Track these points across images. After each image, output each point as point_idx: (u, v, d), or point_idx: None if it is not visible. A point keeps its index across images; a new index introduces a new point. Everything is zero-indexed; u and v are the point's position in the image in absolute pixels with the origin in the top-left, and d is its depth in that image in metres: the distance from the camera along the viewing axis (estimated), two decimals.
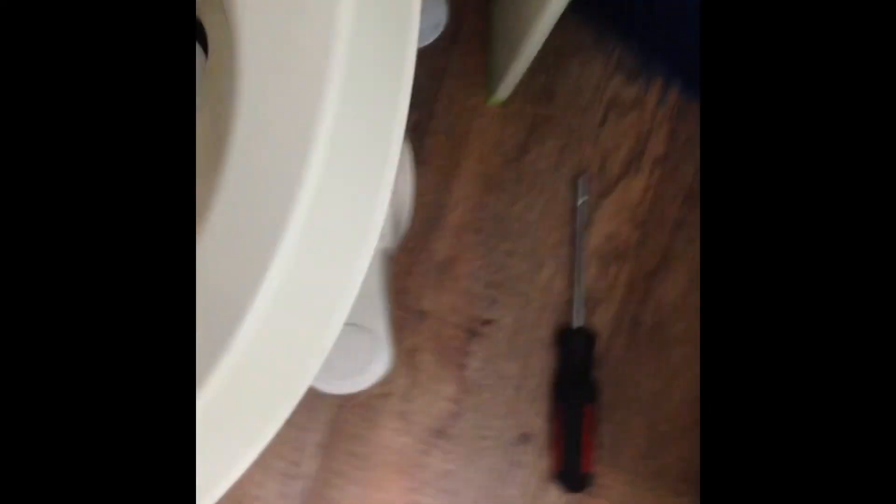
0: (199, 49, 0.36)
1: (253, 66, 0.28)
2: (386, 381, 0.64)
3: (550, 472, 0.63)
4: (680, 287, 0.65)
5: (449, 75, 0.68)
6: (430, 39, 0.69)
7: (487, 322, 0.64)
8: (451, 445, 0.63)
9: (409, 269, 0.66)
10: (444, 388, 0.64)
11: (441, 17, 0.68)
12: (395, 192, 0.58)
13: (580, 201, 0.64)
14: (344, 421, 0.64)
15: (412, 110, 0.68)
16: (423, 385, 0.64)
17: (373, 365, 0.52)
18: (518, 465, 0.63)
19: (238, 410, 0.28)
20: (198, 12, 0.34)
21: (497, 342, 0.64)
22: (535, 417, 0.63)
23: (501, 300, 0.65)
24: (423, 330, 0.65)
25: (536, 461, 0.63)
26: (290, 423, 0.64)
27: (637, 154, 0.66)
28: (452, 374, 0.64)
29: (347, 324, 0.53)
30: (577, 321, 0.62)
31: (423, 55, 0.69)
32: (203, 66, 0.35)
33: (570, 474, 0.60)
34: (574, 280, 0.63)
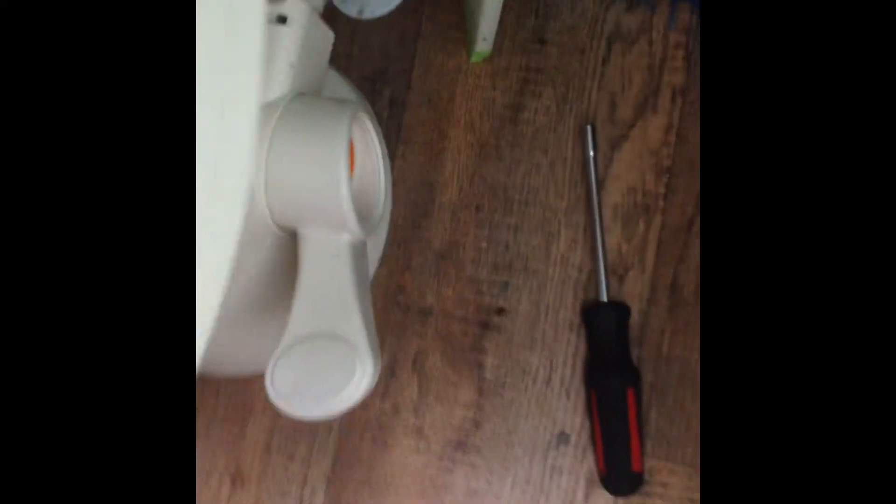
0: None
1: None
2: (393, 394, 0.57)
3: (596, 474, 0.54)
4: None
5: (422, 38, 0.61)
6: (395, 3, 0.62)
7: (500, 311, 0.56)
8: (477, 459, 0.55)
9: (404, 263, 0.58)
10: (460, 394, 0.56)
11: None
12: (359, 177, 0.50)
13: (590, 155, 0.56)
14: (351, 446, 0.57)
15: (385, 86, 0.61)
16: (435, 393, 0.56)
17: (352, 381, 0.44)
18: (558, 472, 0.54)
19: None
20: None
21: (515, 333, 0.56)
22: (571, 413, 0.54)
23: (514, 283, 0.56)
24: (428, 330, 0.57)
25: (578, 464, 0.54)
26: (291, 456, 0.57)
27: (651, 90, 0.57)
28: (468, 376, 0.56)
29: (317, 335, 0.45)
30: (605, 294, 0.54)
31: (390, 22, 0.61)
32: None
33: (619, 475, 0.51)
34: (595, 247, 0.54)
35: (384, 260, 0.59)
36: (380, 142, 0.50)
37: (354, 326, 0.45)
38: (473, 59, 0.60)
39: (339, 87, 0.59)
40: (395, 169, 0.60)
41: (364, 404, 0.57)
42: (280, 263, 0.49)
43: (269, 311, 0.48)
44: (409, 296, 0.58)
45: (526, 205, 0.57)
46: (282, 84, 0.46)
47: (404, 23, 0.62)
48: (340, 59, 0.62)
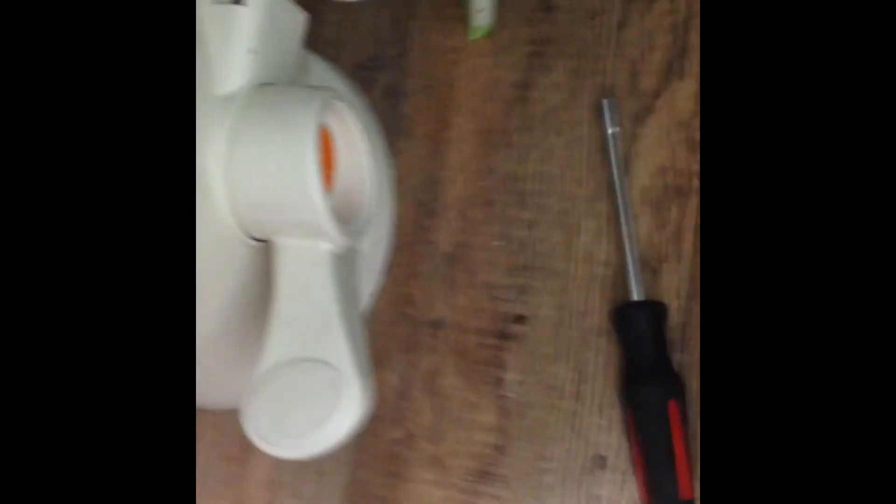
0: None
1: None
2: (406, 420, 0.51)
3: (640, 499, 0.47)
4: None
5: (416, 17, 0.55)
6: None
7: (520, 319, 0.50)
8: (503, 490, 0.49)
9: (409, 270, 0.52)
10: (480, 416, 0.50)
11: None
12: (343, 176, 0.45)
13: (610, 132, 0.49)
14: (362, 481, 0.51)
15: (379, 73, 0.55)
16: (453, 416, 0.50)
17: (338, 411, 0.38)
18: (595, 501, 0.47)
19: None
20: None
21: (537, 342, 0.50)
22: (607, 432, 0.48)
23: (533, 287, 0.50)
24: (440, 345, 0.51)
25: (618, 491, 0.47)
26: (299, 495, 0.52)
27: (677, 52, 0.50)
28: (488, 395, 0.50)
29: (296, 360, 0.40)
30: (638, 293, 0.47)
31: (381, 2, 0.56)
32: None
33: (665, 502, 0.44)
34: (623, 239, 0.48)
35: (388, 267, 0.53)
36: (364, 133, 0.44)
37: (338, 347, 0.39)
38: (472, 35, 0.54)
39: (327, 77, 0.54)
40: (395, 165, 0.54)
41: (374, 433, 0.51)
42: (261, 280, 0.43)
43: (253, 334, 0.42)
44: (417, 306, 0.52)
45: (541, 196, 0.51)
46: (241, 73, 0.41)
47: (396, 2, 0.56)
48: (329, 48, 0.57)
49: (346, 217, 0.43)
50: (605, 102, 0.50)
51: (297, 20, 0.45)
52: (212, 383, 0.47)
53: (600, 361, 0.49)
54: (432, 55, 0.55)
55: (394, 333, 0.52)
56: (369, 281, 0.53)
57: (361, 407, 0.38)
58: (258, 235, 0.41)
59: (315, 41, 0.57)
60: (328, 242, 0.40)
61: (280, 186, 0.39)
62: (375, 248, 0.52)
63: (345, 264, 0.42)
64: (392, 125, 0.55)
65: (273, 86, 0.41)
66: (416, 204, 0.53)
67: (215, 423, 0.54)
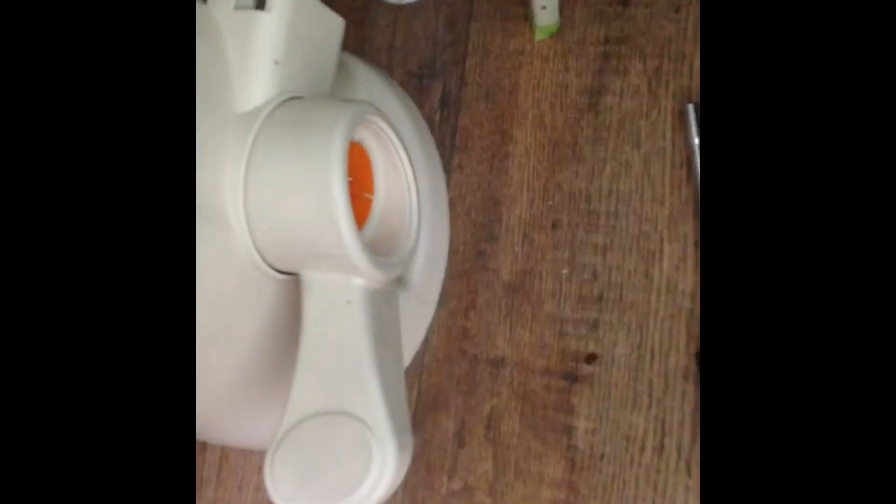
0: None
1: None
2: (463, 470, 0.46)
3: None
4: None
5: (475, 18, 0.50)
6: None
7: (591, 358, 0.44)
8: None
9: (468, 301, 0.47)
10: (546, 469, 0.44)
11: None
12: (384, 199, 0.40)
13: (697, 142, 0.43)
14: None
15: (434, 81, 0.50)
16: (516, 468, 0.45)
17: (370, 474, 0.34)
18: None
19: None
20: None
21: (611, 386, 0.44)
22: (695, 493, 0.41)
23: (606, 320, 0.44)
24: (501, 386, 0.46)
25: None
26: None
27: None
28: (555, 444, 0.44)
29: (325, 412, 0.35)
30: None
31: (437, 3, 0.51)
32: None
33: None
34: None
35: (444, 298, 0.48)
36: (406, 151, 0.40)
37: (370, 399, 0.35)
38: (538, 36, 0.48)
39: (375, 87, 0.49)
40: (451, 183, 0.49)
41: (428, 485, 0.46)
42: (292, 318, 0.39)
43: (283, 375, 0.38)
44: (476, 342, 0.47)
45: (616, 217, 0.45)
46: (264, 87, 0.37)
47: (453, 3, 0.51)
48: (381, 54, 0.52)
49: (385, 247, 0.39)
50: (690, 108, 0.44)
51: (332, 26, 0.41)
52: (247, 422, 0.43)
53: (686, 410, 0.42)
54: (493, 59, 0.50)
55: (450, 372, 0.47)
56: (422, 313, 0.48)
57: (396, 469, 0.34)
58: (284, 268, 0.37)
59: (366, 48, 0.53)
60: (361, 277, 0.36)
61: (302, 216, 0.34)
62: (428, 277, 0.48)
63: (383, 301, 0.37)
64: (448, 139, 0.50)
65: (300, 100, 0.37)
66: (475, 227, 0.48)
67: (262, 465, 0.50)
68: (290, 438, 0.35)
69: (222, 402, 0.40)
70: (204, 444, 0.53)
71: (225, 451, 0.53)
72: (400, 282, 0.45)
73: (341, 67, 0.48)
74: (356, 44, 0.53)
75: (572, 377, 0.45)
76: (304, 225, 0.35)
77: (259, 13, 0.37)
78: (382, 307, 0.37)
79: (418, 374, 0.48)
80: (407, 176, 0.40)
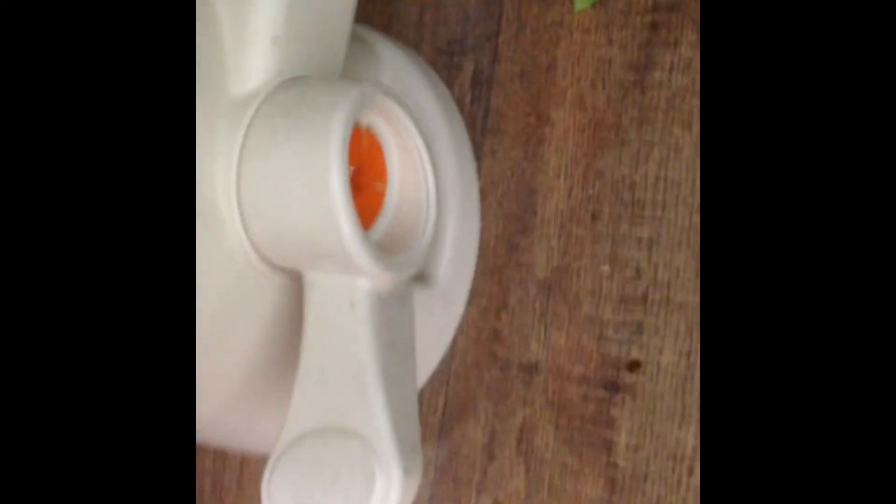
0: None
1: None
2: (493, 486, 0.43)
3: None
4: None
5: None
6: None
7: (634, 365, 0.40)
8: None
9: (499, 300, 0.44)
10: (583, 487, 0.41)
11: None
12: (398, 191, 0.37)
13: None
14: None
15: (465, 58, 0.47)
16: (550, 485, 0.42)
17: (373, 497, 0.31)
18: None
19: None
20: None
21: (657, 397, 0.40)
22: None
23: (651, 324, 0.40)
24: (535, 394, 0.42)
25: None
26: None
27: None
28: (593, 460, 0.41)
29: (325, 429, 0.33)
30: None
31: None
32: None
33: None
34: None
35: (473, 296, 0.45)
36: (422, 137, 0.36)
37: (374, 415, 0.32)
38: (578, 5, 0.44)
39: (400, 66, 0.46)
40: (482, 171, 0.46)
41: (455, 500, 0.43)
42: (297, 320, 0.36)
43: (288, 379, 0.35)
44: (507, 345, 0.44)
45: (663, 207, 0.41)
46: (261, 67, 0.34)
47: None
48: (411, 30, 0.49)
49: (398, 243, 0.36)
50: None
51: None
52: (252, 426, 0.41)
53: None
54: (529, 33, 0.46)
55: (479, 377, 0.44)
56: (449, 313, 0.45)
57: (402, 494, 0.31)
58: (284, 267, 0.34)
59: (394, 24, 0.50)
60: (366, 278, 0.32)
61: (298, 210, 0.31)
62: (456, 274, 0.44)
63: (393, 305, 0.34)
64: (479, 122, 0.46)
65: (303, 80, 0.34)
66: (507, 218, 0.45)
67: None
68: (288, 457, 0.32)
69: (224, 405, 0.38)
70: (223, 452, 0.51)
71: (245, 458, 0.51)
72: (423, 279, 0.42)
73: (364, 45, 0.45)
74: (382, 20, 0.50)
75: (613, 386, 0.41)
76: (300, 220, 0.32)
77: None
78: (393, 311, 0.34)
79: (445, 379, 0.45)
80: (423, 164, 0.36)
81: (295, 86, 0.33)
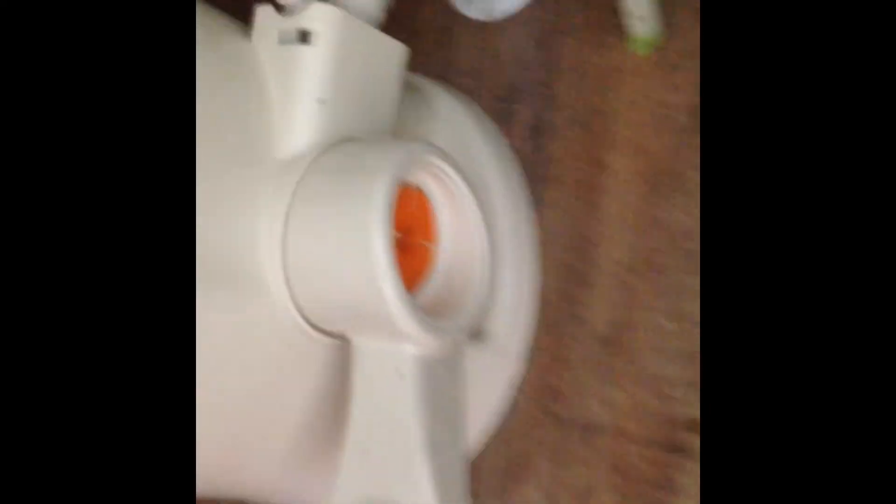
0: None
1: None
2: None
3: None
4: None
5: (566, 34, 0.47)
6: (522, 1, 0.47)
7: (698, 426, 0.39)
8: None
9: (555, 356, 0.43)
10: None
11: None
12: (451, 252, 0.36)
13: None
14: None
15: (522, 105, 0.47)
16: None
17: None
18: None
19: None
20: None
21: None
22: None
23: None
24: (594, 456, 0.42)
25: None
26: None
27: None
28: None
29: (370, 500, 0.32)
30: None
31: (526, 19, 0.47)
32: None
33: None
34: None
35: (531, 352, 0.44)
36: (474, 196, 0.36)
37: (420, 488, 0.31)
38: (638, 46, 0.44)
39: (454, 117, 0.46)
40: (540, 221, 0.45)
41: None
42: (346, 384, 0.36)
43: (335, 444, 0.35)
44: (566, 404, 0.43)
45: None
46: (308, 129, 0.34)
47: (544, 17, 0.47)
48: (468, 77, 0.49)
49: (451, 304, 0.35)
50: None
51: (391, 55, 0.37)
52: (303, 491, 0.41)
53: None
54: (586, 79, 0.45)
55: (537, 436, 0.43)
56: (504, 369, 0.44)
57: None
58: (331, 331, 0.34)
59: (450, 71, 0.50)
60: (413, 344, 0.32)
61: (342, 275, 0.32)
62: (512, 328, 0.44)
63: (442, 371, 0.34)
64: (536, 171, 0.46)
65: (351, 143, 0.34)
66: (565, 270, 0.44)
67: None
68: None
69: (273, 468, 0.38)
70: None
71: None
72: (478, 334, 0.42)
73: (419, 96, 0.45)
74: (439, 67, 0.50)
75: (675, 448, 0.40)
76: (344, 284, 0.32)
77: (301, 48, 0.34)
78: (441, 378, 0.34)
79: (504, 438, 0.44)
80: (476, 222, 0.36)
81: (341, 148, 0.34)
